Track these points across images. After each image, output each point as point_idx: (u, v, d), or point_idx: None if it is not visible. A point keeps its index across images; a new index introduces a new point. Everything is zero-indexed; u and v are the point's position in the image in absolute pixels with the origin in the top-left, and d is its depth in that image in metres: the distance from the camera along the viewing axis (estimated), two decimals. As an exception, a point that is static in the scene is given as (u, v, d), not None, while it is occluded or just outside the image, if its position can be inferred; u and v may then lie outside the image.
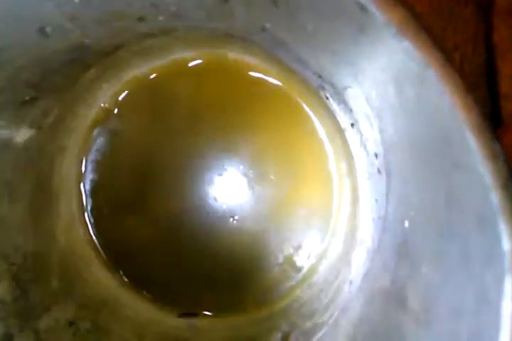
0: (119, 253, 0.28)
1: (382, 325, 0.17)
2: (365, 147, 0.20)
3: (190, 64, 0.26)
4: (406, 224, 0.16)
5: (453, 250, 0.12)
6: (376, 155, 0.19)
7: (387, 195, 0.19)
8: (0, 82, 0.18)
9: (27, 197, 0.23)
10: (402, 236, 0.16)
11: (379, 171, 0.19)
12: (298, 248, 0.28)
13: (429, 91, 0.09)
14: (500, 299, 0.09)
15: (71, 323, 0.23)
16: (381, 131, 0.16)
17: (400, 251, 0.17)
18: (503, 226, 0.09)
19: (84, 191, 0.27)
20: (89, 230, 0.27)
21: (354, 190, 0.25)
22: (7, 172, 0.21)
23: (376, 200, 0.20)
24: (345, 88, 0.18)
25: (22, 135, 0.21)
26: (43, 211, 0.24)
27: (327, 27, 0.13)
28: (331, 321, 0.23)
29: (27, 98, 0.20)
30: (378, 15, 0.09)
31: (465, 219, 0.11)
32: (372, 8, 0.09)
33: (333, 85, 0.20)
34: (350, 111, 0.19)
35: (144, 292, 0.28)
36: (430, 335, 0.13)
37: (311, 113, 0.26)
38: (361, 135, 0.19)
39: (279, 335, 0.25)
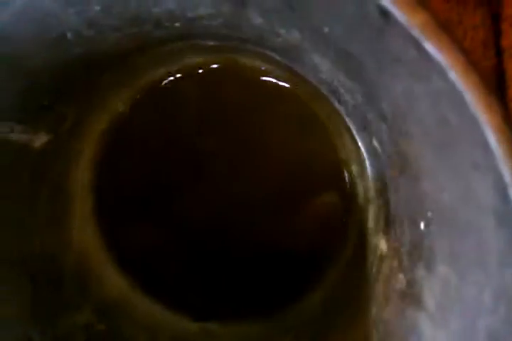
0: (132, 257, 0.28)
1: (398, 325, 0.17)
2: (376, 149, 0.20)
3: (203, 69, 0.26)
4: (422, 226, 0.16)
5: (470, 249, 0.13)
6: (389, 156, 0.19)
7: (399, 196, 0.19)
8: (20, 87, 0.18)
9: (44, 200, 0.23)
10: (417, 237, 0.16)
11: (392, 171, 0.19)
12: (310, 254, 0.28)
13: (449, 90, 0.10)
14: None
15: (87, 326, 0.23)
16: (396, 133, 0.17)
17: (415, 252, 0.17)
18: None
19: (99, 194, 0.27)
20: (103, 233, 0.27)
21: (366, 192, 0.26)
22: (26, 175, 0.22)
23: (387, 202, 0.21)
24: (358, 92, 0.18)
25: (40, 139, 0.22)
26: (59, 214, 0.25)
27: (344, 30, 0.13)
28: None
29: (45, 103, 0.20)
30: (400, 19, 0.09)
31: (482, 218, 0.12)
32: (394, 12, 0.09)
33: (347, 90, 0.20)
34: (363, 114, 0.19)
35: (157, 296, 0.28)
36: (447, 334, 0.13)
37: (321, 117, 0.26)
38: (373, 137, 0.20)
39: (288, 337, 0.25)
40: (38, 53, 0.18)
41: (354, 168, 0.27)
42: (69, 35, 0.18)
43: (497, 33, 0.30)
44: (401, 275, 0.18)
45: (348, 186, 0.27)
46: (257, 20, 0.18)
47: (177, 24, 0.20)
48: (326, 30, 0.15)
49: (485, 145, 0.10)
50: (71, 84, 0.21)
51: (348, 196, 0.27)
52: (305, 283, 0.27)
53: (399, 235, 0.19)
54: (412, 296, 0.16)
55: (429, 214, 0.15)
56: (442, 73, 0.09)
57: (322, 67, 0.20)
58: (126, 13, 0.18)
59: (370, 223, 0.24)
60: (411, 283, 0.17)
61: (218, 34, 0.21)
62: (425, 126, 0.13)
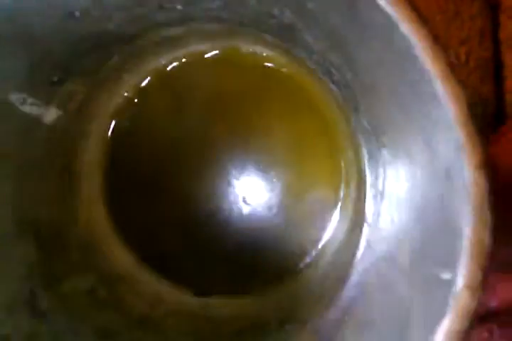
0: (136, 233, 0.29)
1: (377, 285, 0.18)
2: (366, 129, 0.21)
3: (207, 55, 0.28)
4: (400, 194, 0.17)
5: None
6: (376, 134, 0.20)
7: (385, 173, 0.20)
8: (31, 61, 0.20)
9: (54, 174, 0.25)
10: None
11: (378, 148, 0.20)
12: (306, 233, 0.29)
13: (406, 46, 0.11)
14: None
15: (90, 290, 0.24)
16: (378, 107, 0.18)
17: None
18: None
19: (106, 173, 0.29)
20: (109, 209, 0.29)
21: (359, 175, 0.27)
22: (38, 149, 0.23)
23: (377, 177, 0.22)
24: (346, 70, 0.19)
25: (50, 115, 0.23)
26: (67, 189, 0.26)
27: (322, 3, 0.14)
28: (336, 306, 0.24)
29: (55, 79, 0.22)
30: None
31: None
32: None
33: (336, 69, 0.21)
34: (353, 92, 0.20)
35: (160, 271, 0.29)
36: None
37: (320, 102, 0.27)
38: (363, 115, 0.21)
39: (279, 314, 0.26)
40: (47, 30, 0.19)
41: (349, 153, 0.28)
42: (76, 13, 0.19)
43: (495, 25, 0.31)
44: (384, 243, 0.19)
45: (343, 169, 0.28)
46: (252, 1, 0.19)
47: (178, 6, 0.21)
48: (310, 5, 0.16)
49: (436, 96, 0.11)
50: (80, 63, 0.23)
51: (343, 177, 0.28)
52: (300, 261, 0.29)
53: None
54: (390, 258, 0.17)
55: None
56: (396, 28, 0.11)
57: (314, 47, 0.21)
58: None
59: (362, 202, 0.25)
60: (389, 248, 0.18)
61: (218, 17, 0.23)
62: (398, 92, 0.15)
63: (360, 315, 0.19)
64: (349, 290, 0.22)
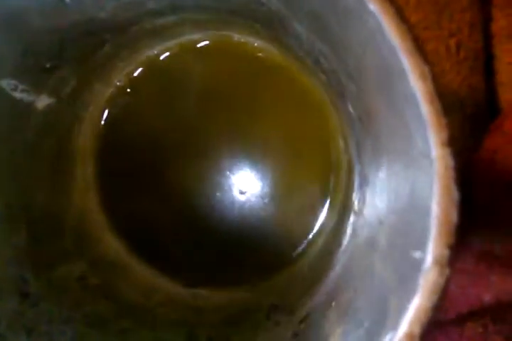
0: (129, 222, 0.30)
1: (359, 269, 0.18)
2: (352, 116, 0.22)
3: (199, 45, 0.28)
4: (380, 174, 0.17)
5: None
6: (361, 120, 0.20)
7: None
8: (23, 47, 0.20)
9: (47, 160, 0.25)
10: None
11: (362, 136, 0.20)
12: (297, 223, 0.29)
13: (377, 26, 0.11)
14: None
15: (81, 277, 0.25)
16: (360, 92, 0.18)
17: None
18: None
19: (99, 161, 0.29)
20: (101, 197, 0.29)
21: (349, 165, 0.27)
22: (30, 134, 0.23)
23: (363, 166, 0.22)
24: (332, 57, 0.19)
25: (42, 101, 0.23)
26: (60, 174, 0.26)
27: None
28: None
29: (47, 66, 0.22)
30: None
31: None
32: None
33: (324, 58, 0.21)
34: (339, 79, 0.21)
35: (152, 261, 0.30)
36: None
37: (311, 91, 0.28)
38: (348, 102, 0.21)
39: (268, 304, 0.26)
40: (38, 16, 0.19)
41: (340, 142, 0.28)
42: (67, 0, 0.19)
43: (487, 19, 0.31)
44: (366, 230, 0.20)
45: (334, 158, 0.28)
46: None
47: (169, -6, 0.22)
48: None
49: (405, 74, 0.11)
50: (71, 51, 0.23)
51: (333, 167, 0.28)
52: (290, 252, 0.29)
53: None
54: (371, 243, 0.18)
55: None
56: (365, 7, 0.11)
57: (302, 36, 0.21)
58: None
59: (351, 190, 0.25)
60: (371, 234, 0.18)
61: (208, 6, 0.23)
62: (377, 75, 0.15)
63: (345, 300, 0.19)
64: (336, 277, 0.22)
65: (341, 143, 0.28)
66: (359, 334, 0.14)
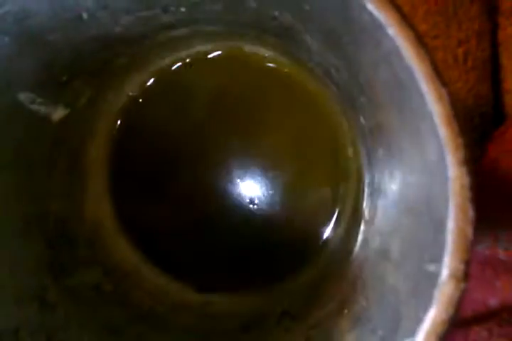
0: (141, 230, 0.30)
1: (371, 278, 0.18)
2: (363, 126, 0.22)
3: (210, 55, 0.29)
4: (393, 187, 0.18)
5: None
6: (371, 132, 0.21)
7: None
8: (41, 62, 0.21)
9: (61, 170, 0.26)
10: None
11: (374, 146, 0.21)
12: (307, 231, 0.30)
13: (393, 47, 0.11)
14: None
15: (96, 285, 0.25)
16: (372, 105, 0.18)
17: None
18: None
19: (112, 171, 0.29)
20: (114, 206, 0.29)
21: (358, 173, 0.27)
22: (46, 145, 0.24)
23: (373, 175, 0.22)
24: (343, 69, 0.20)
25: (58, 113, 0.24)
26: (74, 185, 0.27)
27: (319, 5, 0.15)
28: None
29: (64, 79, 0.23)
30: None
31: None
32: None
33: (335, 70, 0.22)
34: (350, 91, 0.21)
35: (165, 268, 0.30)
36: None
37: (321, 101, 0.28)
38: (359, 113, 0.21)
39: (278, 311, 0.27)
40: (56, 31, 0.20)
41: (349, 150, 0.28)
42: (84, 15, 0.20)
43: (494, 27, 0.32)
44: (377, 238, 0.20)
45: (343, 167, 0.28)
46: (252, 3, 0.20)
47: (182, 9, 0.22)
48: (307, 7, 0.17)
49: (422, 96, 0.12)
50: (87, 64, 0.23)
51: (343, 175, 0.28)
52: (301, 259, 0.29)
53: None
54: (382, 252, 0.18)
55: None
56: (383, 29, 0.11)
57: (313, 48, 0.21)
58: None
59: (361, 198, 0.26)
60: (382, 242, 0.19)
61: (220, 19, 0.23)
62: (389, 91, 0.15)
63: (358, 308, 0.19)
64: (347, 285, 0.22)
65: (351, 152, 0.28)
66: (373, 342, 0.15)
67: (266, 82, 0.29)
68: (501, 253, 0.31)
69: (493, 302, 0.30)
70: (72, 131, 0.26)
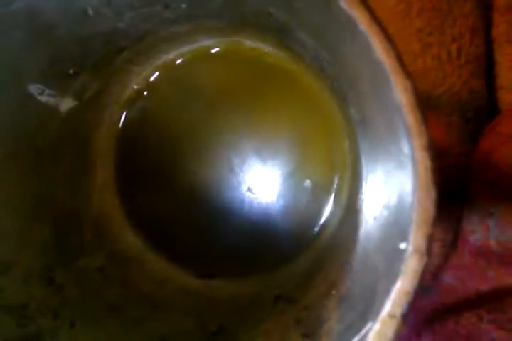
0: (145, 218, 0.31)
1: (357, 262, 0.20)
2: (355, 119, 0.23)
3: (212, 50, 0.30)
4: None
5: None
6: (362, 123, 0.22)
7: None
8: (51, 56, 0.22)
9: (68, 159, 0.27)
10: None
11: (362, 138, 0.22)
12: (303, 219, 0.31)
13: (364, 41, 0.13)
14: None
15: (101, 268, 0.27)
16: (360, 97, 0.19)
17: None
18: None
19: (117, 160, 0.31)
20: (119, 194, 0.31)
21: (354, 164, 0.28)
22: (53, 136, 0.25)
23: (364, 165, 0.23)
24: (334, 63, 0.21)
25: (65, 105, 0.25)
26: (81, 174, 0.28)
27: (306, 3, 0.16)
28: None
29: (71, 72, 0.24)
30: None
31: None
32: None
33: (327, 64, 0.23)
34: (341, 84, 0.22)
35: (166, 253, 0.31)
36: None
37: (318, 94, 0.29)
38: (351, 106, 0.22)
39: (273, 294, 0.28)
40: (64, 27, 0.21)
41: (345, 142, 0.30)
42: (89, 11, 0.21)
43: (488, 23, 0.32)
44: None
45: (339, 158, 0.30)
46: (248, 0, 0.21)
47: (183, 5, 0.23)
48: (297, 5, 0.18)
49: (390, 87, 0.13)
50: (93, 57, 0.25)
51: (338, 165, 0.29)
52: (296, 248, 0.30)
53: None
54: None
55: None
56: (355, 26, 0.12)
57: (307, 44, 0.23)
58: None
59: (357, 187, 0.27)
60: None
61: (220, 15, 0.25)
62: (368, 84, 0.16)
63: (343, 289, 0.21)
64: (336, 269, 0.23)
65: (346, 144, 0.29)
66: (352, 317, 0.16)
67: (265, 76, 0.30)
68: (493, 245, 0.31)
69: (484, 288, 0.31)
70: (78, 121, 0.27)
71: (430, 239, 0.12)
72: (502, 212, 0.29)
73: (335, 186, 0.30)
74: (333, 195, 0.30)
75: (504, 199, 0.28)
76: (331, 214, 0.30)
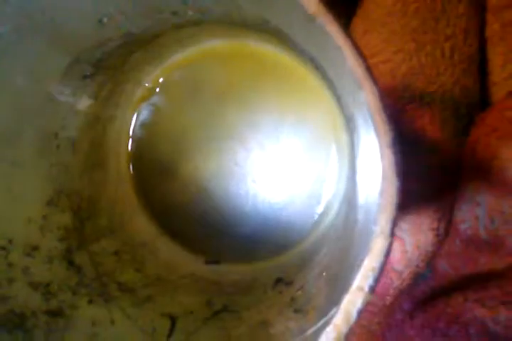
0: (157, 207, 0.34)
1: (345, 246, 0.22)
2: (344, 108, 0.25)
3: (218, 51, 0.32)
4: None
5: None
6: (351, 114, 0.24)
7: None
8: (70, 59, 0.24)
9: (85, 153, 0.29)
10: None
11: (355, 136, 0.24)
12: (304, 209, 0.33)
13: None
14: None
15: (115, 252, 0.29)
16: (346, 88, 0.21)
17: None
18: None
19: (131, 153, 0.33)
20: (133, 185, 0.33)
21: (352, 155, 0.30)
22: (71, 131, 0.28)
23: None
24: (322, 58, 0.23)
25: (83, 103, 0.28)
26: (97, 166, 0.31)
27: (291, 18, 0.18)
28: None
29: (88, 73, 0.26)
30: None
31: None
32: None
33: (320, 58, 0.25)
34: (334, 84, 0.24)
35: (176, 240, 0.34)
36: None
37: (318, 89, 0.31)
38: (340, 95, 0.24)
39: (274, 278, 0.30)
40: (82, 34, 0.24)
41: (343, 135, 0.32)
42: (105, 20, 0.23)
43: (482, 22, 0.34)
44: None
45: (336, 150, 0.32)
46: (248, 9, 0.23)
47: (190, 12, 0.25)
48: (289, 17, 0.20)
49: (360, 88, 0.15)
50: (107, 60, 0.27)
51: (336, 157, 0.31)
52: (296, 234, 0.33)
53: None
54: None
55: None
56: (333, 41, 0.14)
57: (305, 46, 0.25)
58: (148, 2, 0.24)
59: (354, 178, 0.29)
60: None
61: (224, 21, 0.27)
62: (350, 84, 0.18)
63: (333, 270, 0.23)
64: (329, 255, 0.26)
65: (344, 137, 0.31)
66: (335, 294, 0.18)
67: (270, 73, 0.32)
68: (482, 233, 0.33)
69: (474, 274, 0.33)
70: (95, 118, 0.30)
71: (394, 222, 0.14)
72: (487, 201, 0.31)
73: (335, 178, 0.32)
74: (332, 186, 0.32)
75: (487, 189, 0.30)
76: (330, 202, 0.32)
